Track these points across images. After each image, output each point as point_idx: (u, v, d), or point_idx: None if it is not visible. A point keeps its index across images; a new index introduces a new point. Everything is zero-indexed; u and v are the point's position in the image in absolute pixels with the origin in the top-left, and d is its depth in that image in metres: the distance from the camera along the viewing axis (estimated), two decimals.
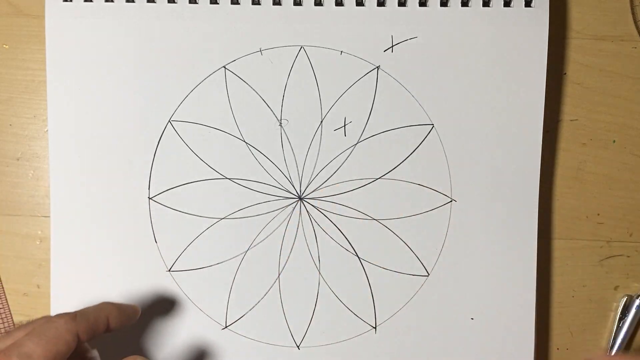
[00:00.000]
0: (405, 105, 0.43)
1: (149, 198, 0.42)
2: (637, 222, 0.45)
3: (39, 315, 0.44)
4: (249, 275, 0.43)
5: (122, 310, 0.34)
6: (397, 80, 0.43)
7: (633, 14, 0.44)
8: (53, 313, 0.42)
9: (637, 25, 0.44)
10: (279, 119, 0.43)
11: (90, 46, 0.42)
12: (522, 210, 0.43)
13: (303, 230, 0.43)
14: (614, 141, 0.45)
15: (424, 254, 0.43)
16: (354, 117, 0.43)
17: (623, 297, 0.45)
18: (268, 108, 0.43)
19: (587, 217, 0.45)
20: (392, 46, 0.43)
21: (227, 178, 0.43)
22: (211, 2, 0.42)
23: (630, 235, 0.45)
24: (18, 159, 0.44)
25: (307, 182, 0.43)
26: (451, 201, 0.43)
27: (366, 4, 0.42)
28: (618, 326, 0.45)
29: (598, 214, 0.45)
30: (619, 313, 0.45)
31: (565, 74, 0.45)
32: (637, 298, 0.45)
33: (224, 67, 0.42)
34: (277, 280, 0.43)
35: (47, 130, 0.43)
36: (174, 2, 0.42)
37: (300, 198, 0.43)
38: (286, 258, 0.43)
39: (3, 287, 0.44)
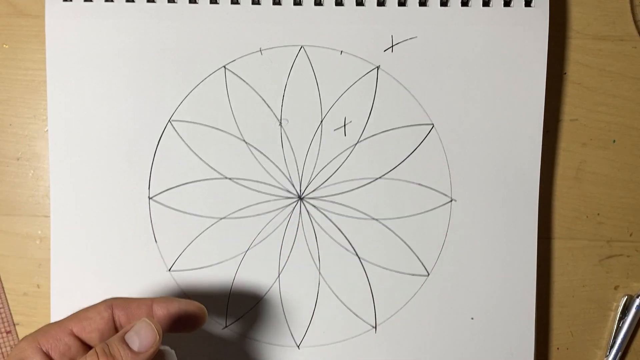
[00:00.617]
0: (405, 105, 0.43)
1: (149, 198, 0.42)
2: (637, 222, 0.45)
3: (39, 315, 0.44)
4: (249, 275, 0.43)
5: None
6: (397, 80, 0.43)
7: (633, 14, 0.44)
8: (53, 313, 0.42)
9: (637, 25, 0.44)
10: (279, 118, 0.43)
11: (90, 46, 0.42)
12: (522, 210, 0.43)
13: (303, 230, 0.43)
14: (614, 141, 0.45)
15: (424, 254, 0.43)
16: (354, 117, 0.43)
17: (623, 297, 0.45)
18: (268, 108, 0.43)
19: (587, 217, 0.45)
20: (392, 46, 0.43)
21: (227, 178, 0.43)
22: (211, 2, 0.42)
23: (630, 235, 0.45)
24: (18, 159, 0.44)
25: (307, 182, 0.43)
26: (451, 201, 0.43)
27: (366, 4, 0.42)
28: (618, 326, 0.45)
29: (598, 214, 0.45)
30: (619, 313, 0.45)
31: (565, 74, 0.45)
32: (637, 298, 0.45)
33: (224, 67, 0.42)
34: (277, 280, 0.43)
35: (47, 130, 0.43)
36: (174, 2, 0.42)
37: (300, 198, 0.43)
38: (286, 258, 0.43)
39: (3, 287, 0.44)
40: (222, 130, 0.43)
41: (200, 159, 0.43)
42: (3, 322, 0.44)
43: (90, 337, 0.30)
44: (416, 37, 0.42)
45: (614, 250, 0.45)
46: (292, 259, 0.43)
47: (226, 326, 0.43)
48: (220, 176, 0.43)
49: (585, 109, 0.45)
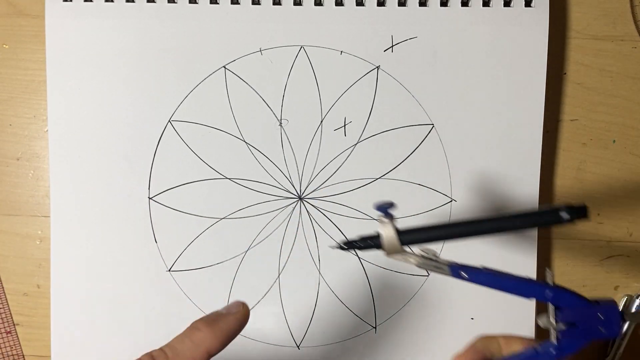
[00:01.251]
0: (405, 105, 0.43)
1: (149, 198, 0.42)
2: (637, 222, 0.45)
3: (39, 315, 0.44)
4: (249, 275, 0.43)
5: (224, 330, 0.30)
6: (397, 80, 0.43)
7: (633, 14, 0.44)
8: (53, 313, 0.42)
9: (637, 25, 0.44)
10: (279, 119, 0.43)
11: (90, 46, 0.42)
12: (522, 210, 0.43)
13: (303, 230, 0.43)
14: (614, 141, 0.45)
15: None
16: (354, 117, 0.43)
17: (623, 297, 0.45)
18: (268, 108, 0.43)
19: None
20: (392, 46, 0.43)
21: (227, 178, 0.43)
22: (211, 2, 0.42)
23: (630, 235, 0.45)
24: (18, 159, 0.44)
25: (307, 182, 0.43)
26: (451, 201, 0.43)
27: (366, 4, 0.42)
28: None
29: (598, 214, 0.45)
30: None
31: (565, 74, 0.45)
32: (637, 298, 0.45)
33: (224, 67, 0.42)
34: (277, 280, 0.43)
35: (47, 130, 0.43)
36: (174, 2, 0.42)
37: (300, 198, 0.43)
38: (286, 258, 0.43)
39: (3, 287, 0.44)
40: (222, 130, 0.43)
41: (200, 159, 0.43)
42: (3, 322, 0.44)
43: None
44: (416, 37, 0.42)
45: (614, 250, 0.45)
46: (292, 259, 0.43)
47: None
48: (220, 176, 0.43)
49: (585, 109, 0.45)
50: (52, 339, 0.42)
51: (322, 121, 0.43)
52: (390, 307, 0.43)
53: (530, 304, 0.43)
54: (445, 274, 0.30)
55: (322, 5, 0.42)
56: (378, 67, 0.43)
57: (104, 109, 0.42)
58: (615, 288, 0.46)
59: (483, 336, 0.32)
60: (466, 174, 0.43)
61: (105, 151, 0.42)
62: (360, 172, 0.43)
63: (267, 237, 0.43)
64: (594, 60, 0.45)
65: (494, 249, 0.43)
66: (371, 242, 0.30)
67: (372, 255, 0.43)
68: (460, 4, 0.42)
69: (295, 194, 0.43)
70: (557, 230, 0.45)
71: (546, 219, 0.29)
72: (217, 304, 0.43)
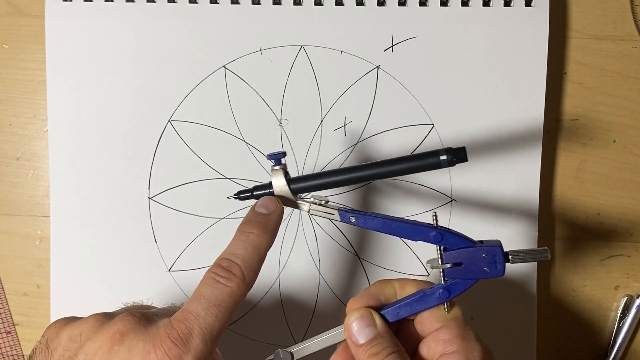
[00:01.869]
0: (405, 105, 0.43)
1: (149, 198, 0.42)
2: (637, 222, 0.45)
3: (39, 316, 0.44)
4: None
5: None
6: (397, 80, 0.43)
7: (633, 13, 0.44)
8: (53, 313, 0.42)
9: (637, 25, 0.44)
10: (279, 118, 0.43)
11: (90, 46, 0.42)
12: (523, 210, 0.43)
13: (303, 230, 0.43)
14: (614, 141, 0.45)
15: (424, 254, 0.43)
16: (354, 117, 0.43)
17: (623, 297, 0.45)
18: (268, 108, 0.43)
19: (587, 217, 0.45)
20: (392, 46, 0.43)
21: (227, 178, 0.43)
22: (211, 2, 0.42)
23: (630, 235, 0.45)
24: (18, 159, 0.44)
25: None
26: (451, 201, 0.43)
27: (366, 4, 0.42)
28: (618, 326, 0.45)
29: (598, 214, 0.45)
30: (619, 313, 0.45)
31: (565, 73, 0.45)
32: (637, 298, 0.44)
33: (224, 67, 0.42)
34: (277, 280, 0.43)
35: (47, 130, 0.43)
36: (174, 2, 0.42)
37: (300, 198, 0.43)
38: (286, 258, 0.43)
39: (3, 287, 0.44)
40: (222, 130, 0.43)
41: (200, 159, 0.43)
42: (3, 323, 0.44)
43: None
44: (416, 37, 0.42)
45: (614, 250, 0.45)
46: (292, 259, 0.43)
47: None
48: (220, 176, 0.43)
49: (585, 109, 0.45)
50: None
51: (322, 121, 0.43)
52: None
53: (532, 304, 0.43)
54: (336, 219, 0.32)
55: (322, 5, 0.42)
56: (378, 67, 0.43)
57: (104, 109, 0.42)
58: (616, 288, 0.46)
59: (379, 281, 0.32)
60: (466, 174, 0.43)
61: (105, 151, 0.42)
62: None
63: None
64: (594, 60, 0.45)
65: None
66: (264, 190, 0.32)
67: (372, 255, 0.43)
68: (460, 4, 0.42)
69: None
70: (557, 230, 0.45)
71: (427, 161, 0.30)
72: None
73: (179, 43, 0.42)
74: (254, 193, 0.33)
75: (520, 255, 0.30)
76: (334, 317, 0.43)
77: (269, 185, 0.32)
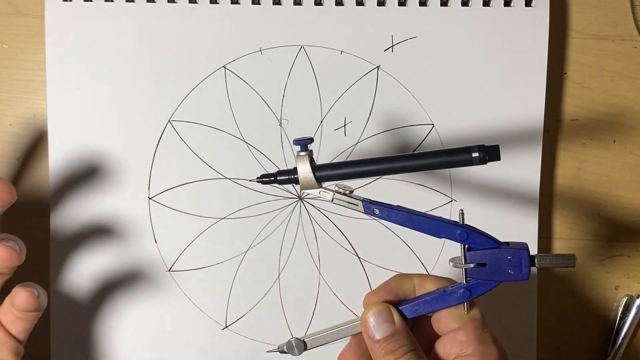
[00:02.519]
0: (405, 105, 0.43)
1: (149, 198, 0.42)
2: (637, 222, 0.45)
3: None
4: (249, 275, 0.43)
5: None
6: (397, 80, 0.43)
7: (633, 13, 0.44)
8: (53, 313, 0.42)
9: (637, 25, 0.44)
10: (279, 119, 0.43)
11: (90, 46, 0.42)
12: (522, 210, 0.43)
13: (303, 230, 0.43)
14: (614, 141, 0.45)
15: (424, 254, 0.43)
16: (354, 117, 0.43)
17: (623, 297, 0.45)
18: (268, 108, 0.43)
19: (587, 217, 0.45)
20: (392, 46, 0.43)
21: (227, 178, 0.43)
22: (211, 2, 0.42)
23: (630, 235, 0.45)
24: (18, 159, 0.44)
25: None
26: (451, 201, 0.43)
27: (366, 3, 0.42)
28: (618, 326, 0.45)
29: (598, 214, 0.45)
30: (619, 313, 0.45)
31: (565, 73, 0.45)
32: (637, 298, 0.44)
33: (224, 67, 0.42)
34: (277, 280, 0.43)
35: (47, 130, 0.43)
36: (174, 2, 0.42)
37: (300, 198, 0.43)
38: (286, 258, 0.43)
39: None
40: (222, 130, 0.43)
41: (200, 159, 0.43)
42: None
43: None
44: (416, 37, 0.42)
45: (614, 250, 0.45)
46: (292, 259, 0.43)
47: (226, 326, 0.43)
48: (220, 176, 0.43)
49: (585, 109, 0.45)
50: (51, 339, 0.42)
51: (322, 121, 0.43)
52: None
53: (532, 304, 0.43)
54: (359, 210, 0.31)
55: (322, 5, 0.42)
56: (378, 67, 0.43)
57: (104, 109, 0.42)
58: (616, 288, 0.46)
59: (398, 275, 0.32)
60: (466, 174, 0.43)
61: (105, 151, 0.42)
62: None
63: (267, 237, 0.43)
64: (594, 60, 0.45)
65: None
66: (288, 176, 0.31)
67: (372, 255, 0.43)
68: (460, 4, 0.42)
69: (295, 194, 0.43)
70: (557, 230, 0.45)
71: (459, 157, 0.29)
72: (217, 304, 0.43)
73: (179, 43, 0.42)
74: (278, 178, 0.32)
75: (547, 260, 0.29)
76: (334, 317, 0.43)
77: (294, 170, 0.31)
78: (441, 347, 0.30)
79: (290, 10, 0.42)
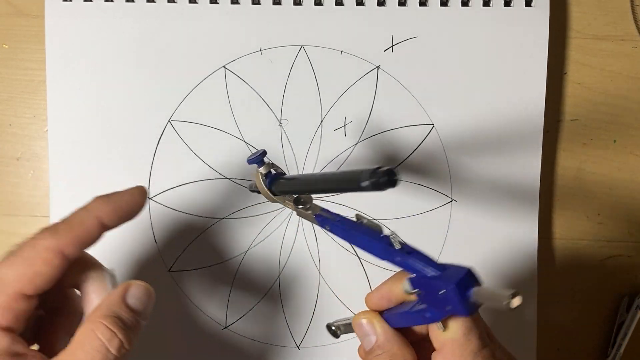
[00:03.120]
0: (405, 105, 0.43)
1: (149, 198, 0.42)
2: (637, 222, 0.45)
3: None
4: (249, 275, 0.43)
5: (117, 201, 0.29)
6: (397, 80, 0.43)
7: (633, 13, 0.44)
8: None
9: (637, 25, 0.44)
10: (279, 119, 0.43)
11: (90, 46, 0.42)
12: (523, 210, 0.43)
13: (303, 230, 0.43)
14: (614, 141, 0.45)
15: None
16: (354, 117, 0.43)
17: (623, 297, 0.45)
18: (268, 108, 0.43)
19: (587, 217, 0.45)
20: (392, 46, 0.43)
21: (227, 178, 0.43)
22: (211, 2, 0.42)
23: (631, 235, 0.45)
24: (18, 159, 0.44)
25: None
26: (451, 201, 0.43)
27: (366, 4, 0.42)
28: (618, 326, 0.45)
29: (598, 214, 0.45)
30: (619, 313, 0.45)
31: (565, 74, 0.45)
32: (637, 298, 0.44)
33: (224, 67, 0.42)
34: (277, 280, 0.43)
35: (47, 130, 0.43)
36: (174, 2, 0.42)
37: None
38: (286, 258, 0.43)
39: None
40: (222, 130, 0.43)
41: (200, 159, 0.43)
42: None
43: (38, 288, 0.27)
44: (416, 37, 0.42)
45: (614, 250, 0.45)
46: (292, 259, 0.43)
47: (226, 326, 0.43)
48: (220, 176, 0.43)
49: (586, 109, 0.45)
50: None
51: (322, 121, 0.43)
52: None
53: (532, 304, 0.43)
54: (314, 222, 0.31)
55: (322, 5, 0.42)
56: (378, 67, 0.43)
57: (104, 109, 0.42)
58: (616, 288, 0.46)
59: (392, 276, 0.29)
60: (466, 174, 0.43)
61: (105, 151, 0.42)
62: None
63: (267, 237, 0.43)
64: (594, 60, 0.45)
65: (494, 249, 0.43)
66: (257, 191, 0.34)
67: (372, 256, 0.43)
68: (460, 4, 0.42)
69: None
70: (557, 230, 0.45)
71: (349, 184, 0.25)
72: (217, 304, 0.43)
73: (179, 43, 0.42)
74: (252, 190, 0.34)
75: (483, 297, 0.24)
76: (334, 317, 0.43)
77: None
78: None
79: (290, 10, 0.42)
